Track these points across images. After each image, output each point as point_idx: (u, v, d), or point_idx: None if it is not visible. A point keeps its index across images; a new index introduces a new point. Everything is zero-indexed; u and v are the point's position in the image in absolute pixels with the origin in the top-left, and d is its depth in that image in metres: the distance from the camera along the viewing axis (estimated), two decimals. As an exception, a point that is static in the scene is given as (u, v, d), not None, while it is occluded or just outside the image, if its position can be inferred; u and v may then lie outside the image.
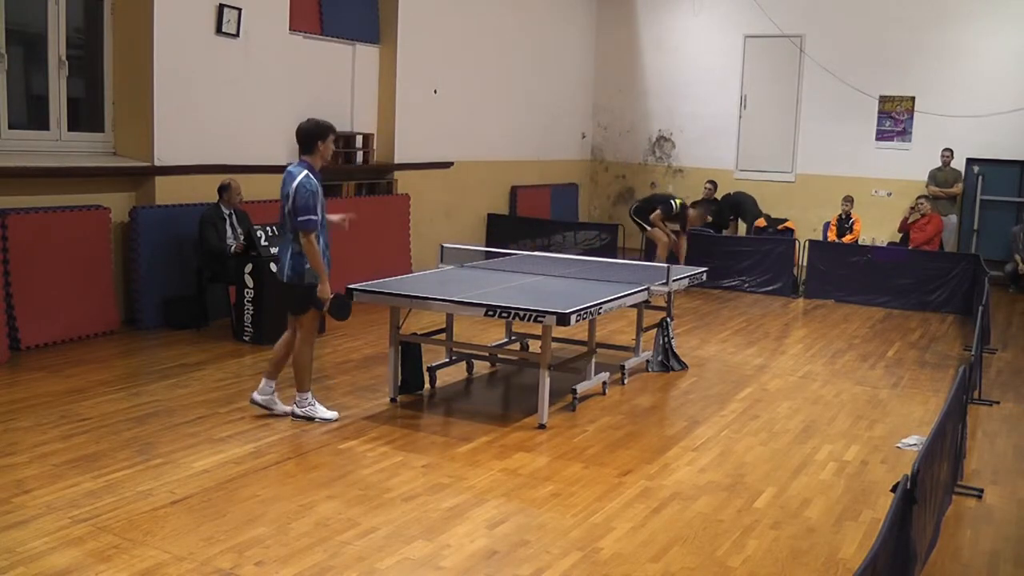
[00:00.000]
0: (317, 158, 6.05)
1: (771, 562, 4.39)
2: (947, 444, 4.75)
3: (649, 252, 12.54)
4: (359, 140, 11.49)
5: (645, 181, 16.58)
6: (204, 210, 8.70)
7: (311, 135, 6.02)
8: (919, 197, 12.89)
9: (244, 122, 9.57)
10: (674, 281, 7.60)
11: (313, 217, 5.83)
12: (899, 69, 14.27)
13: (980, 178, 13.47)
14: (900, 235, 12.96)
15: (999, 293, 12.01)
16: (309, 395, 6.21)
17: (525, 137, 14.95)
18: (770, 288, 11.96)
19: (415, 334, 7.08)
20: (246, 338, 8.28)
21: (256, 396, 6.26)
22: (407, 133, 12.11)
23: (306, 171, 5.94)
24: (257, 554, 4.25)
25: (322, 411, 6.22)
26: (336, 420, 6.20)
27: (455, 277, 7.48)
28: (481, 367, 7.78)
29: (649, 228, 12.09)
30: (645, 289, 7.17)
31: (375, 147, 11.76)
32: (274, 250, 8.15)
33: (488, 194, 14.15)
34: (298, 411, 6.20)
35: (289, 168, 6.09)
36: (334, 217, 6.32)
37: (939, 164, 13.53)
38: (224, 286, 8.70)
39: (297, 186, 5.87)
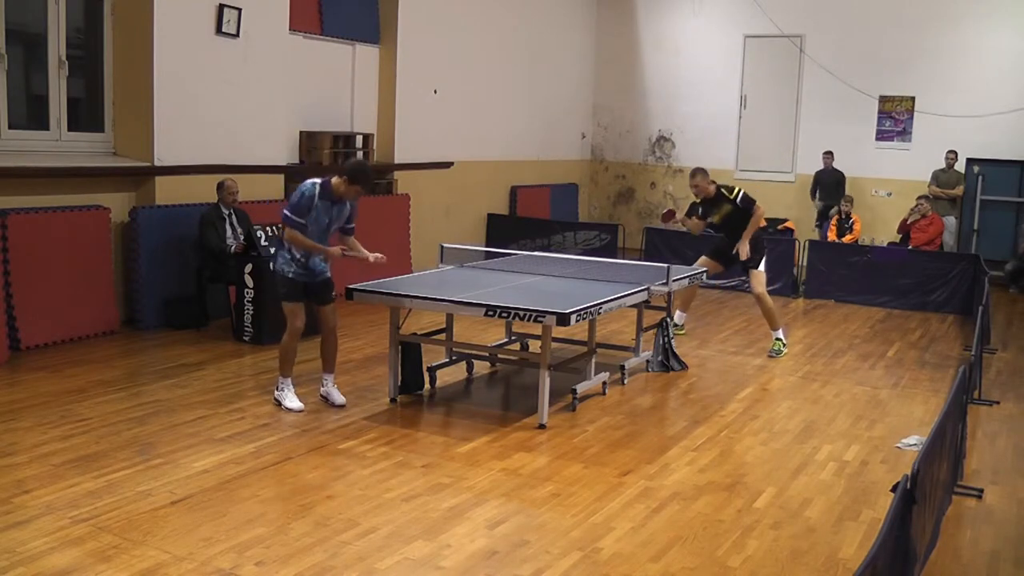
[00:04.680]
0: (339, 184, 6.21)
1: (771, 562, 4.39)
2: (947, 444, 4.75)
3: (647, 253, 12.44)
4: (359, 140, 11.49)
5: (645, 181, 16.59)
6: (204, 210, 8.70)
7: (345, 167, 6.29)
8: (919, 198, 12.89)
9: (244, 122, 9.57)
10: (674, 281, 7.60)
11: (293, 216, 6.14)
12: (899, 69, 14.27)
13: (980, 178, 13.48)
14: (900, 236, 12.94)
15: (999, 293, 12.01)
16: (288, 381, 6.48)
17: (525, 137, 14.95)
18: (770, 288, 11.83)
19: (415, 334, 7.08)
20: (246, 338, 8.27)
21: (320, 390, 6.67)
22: (407, 133, 12.11)
23: (318, 181, 6.23)
24: (257, 554, 4.25)
25: (289, 400, 6.43)
26: (300, 411, 6.34)
27: (455, 277, 7.47)
28: (481, 367, 7.78)
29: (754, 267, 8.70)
30: (645, 289, 7.17)
31: (375, 147, 11.76)
32: (275, 250, 8.20)
33: (488, 194, 14.15)
34: (276, 393, 6.53)
35: None
36: (367, 255, 6.40)
37: (942, 165, 13.53)
38: (224, 286, 8.70)
39: (298, 187, 6.25)
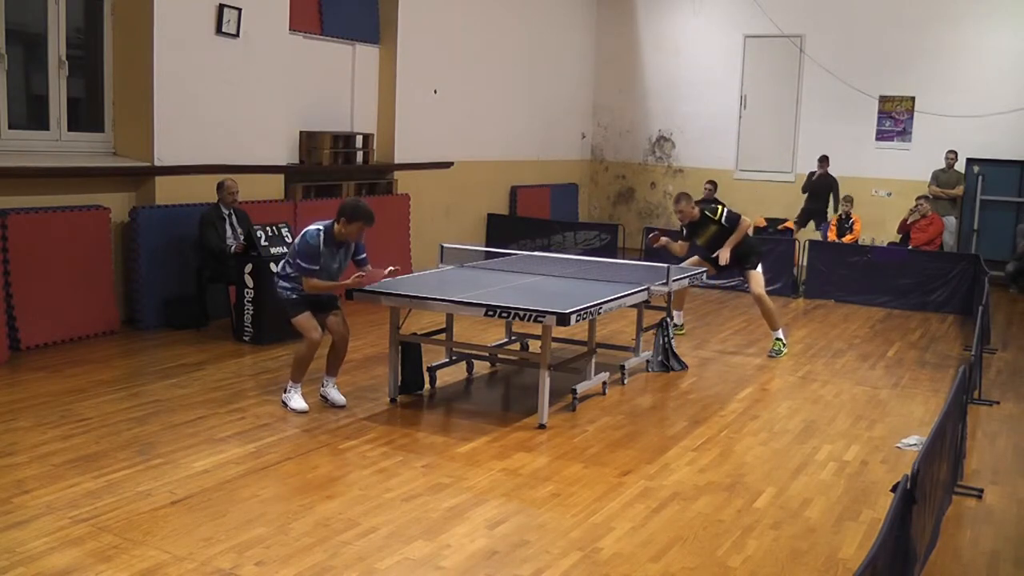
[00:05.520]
0: (340, 229, 6.26)
1: (771, 562, 4.39)
2: (947, 444, 4.75)
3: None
4: (359, 140, 11.49)
5: (645, 181, 16.59)
6: (204, 210, 8.69)
7: (340, 210, 6.28)
8: (919, 198, 12.88)
9: (244, 122, 9.57)
10: (674, 281, 7.60)
11: (304, 264, 6.21)
12: (899, 69, 14.28)
13: (980, 178, 13.48)
14: (900, 236, 12.94)
15: (999, 293, 12.01)
16: (297, 386, 6.46)
17: (525, 137, 14.95)
18: (770, 288, 11.81)
19: (415, 334, 7.08)
20: (246, 338, 8.27)
21: (319, 390, 6.66)
22: (407, 133, 12.11)
23: (320, 226, 6.27)
24: (257, 554, 4.25)
25: (294, 401, 6.43)
26: (303, 413, 6.33)
27: (455, 277, 7.48)
28: (481, 367, 7.78)
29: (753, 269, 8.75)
30: (645, 289, 7.17)
31: (375, 147, 11.76)
32: (275, 250, 8.21)
33: (488, 194, 14.15)
34: (283, 396, 6.53)
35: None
36: (383, 272, 6.45)
37: (942, 165, 13.54)
38: (224, 286, 8.70)
39: (302, 233, 6.32)
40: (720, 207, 8.73)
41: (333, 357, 6.57)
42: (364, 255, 6.51)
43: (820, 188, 13.83)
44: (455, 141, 13.00)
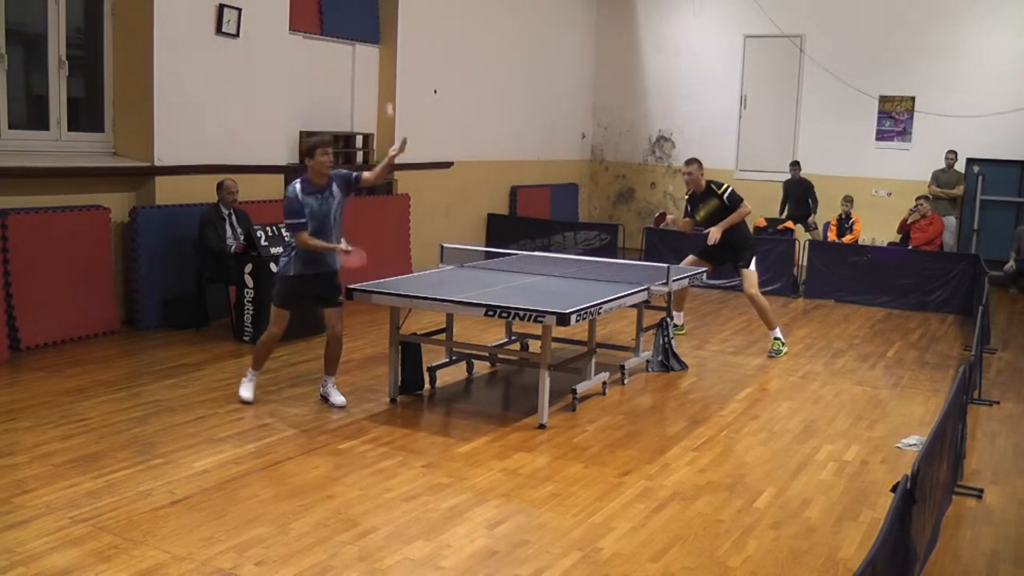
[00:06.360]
0: (311, 172, 6.34)
1: (771, 562, 4.39)
2: (947, 444, 4.75)
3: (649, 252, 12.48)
4: (359, 140, 11.49)
5: (645, 181, 16.59)
6: (204, 210, 8.70)
7: (301, 154, 6.44)
8: (919, 198, 12.89)
9: (244, 122, 9.57)
10: (674, 281, 7.60)
11: (290, 220, 6.27)
12: (899, 69, 14.28)
13: (980, 178, 13.48)
14: (900, 236, 12.95)
15: (999, 293, 12.01)
16: (254, 373, 6.58)
17: (525, 137, 14.95)
18: (770, 288, 11.93)
19: (415, 334, 7.08)
20: (246, 338, 8.27)
21: (320, 390, 6.69)
22: (407, 133, 11.95)
23: (297, 181, 6.33)
24: (257, 554, 4.25)
25: (243, 389, 6.56)
26: (250, 404, 6.44)
27: (455, 277, 7.48)
28: (481, 367, 7.78)
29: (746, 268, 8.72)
30: (645, 289, 7.17)
31: (375, 147, 11.75)
32: (275, 250, 8.21)
33: (488, 194, 14.15)
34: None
35: None
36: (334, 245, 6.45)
37: (942, 165, 13.54)
38: (224, 286, 8.70)
39: (285, 195, 6.39)
40: (726, 184, 8.77)
41: (328, 354, 6.57)
42: (356, 174, 6.52)
43: (798, 192, 13.84)
44: (455, 141, 13.00)
